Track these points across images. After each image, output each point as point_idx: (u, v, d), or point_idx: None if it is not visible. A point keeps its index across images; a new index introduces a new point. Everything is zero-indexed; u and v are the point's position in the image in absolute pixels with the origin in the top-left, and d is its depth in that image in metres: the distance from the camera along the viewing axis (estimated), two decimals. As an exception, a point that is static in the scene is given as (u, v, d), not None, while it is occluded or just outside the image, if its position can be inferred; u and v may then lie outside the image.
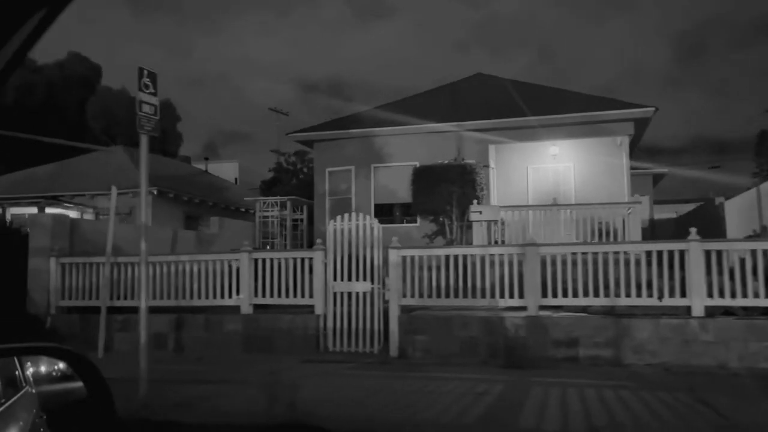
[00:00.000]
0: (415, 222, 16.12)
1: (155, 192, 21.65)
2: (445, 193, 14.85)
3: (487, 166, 15.57)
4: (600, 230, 12.89)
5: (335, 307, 10.06)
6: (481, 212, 13.39)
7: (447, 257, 9.73)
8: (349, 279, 10.03)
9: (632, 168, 15.27)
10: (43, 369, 2.20)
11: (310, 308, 10.36)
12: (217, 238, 18.03)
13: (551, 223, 13.22)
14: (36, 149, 35.89)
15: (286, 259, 10.52)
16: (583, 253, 9.45)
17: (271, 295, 10.50)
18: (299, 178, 51.58)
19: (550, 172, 16.75)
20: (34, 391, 2.12)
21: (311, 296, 10.30)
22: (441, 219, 15.23)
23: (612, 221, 13.12)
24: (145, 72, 6.51)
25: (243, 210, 25.44)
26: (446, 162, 15.57)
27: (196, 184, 26.83)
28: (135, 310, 11.02)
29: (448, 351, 9.36)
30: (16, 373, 2.07)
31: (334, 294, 10.10)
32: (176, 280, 10.90)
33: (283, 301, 10.46)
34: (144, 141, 6.53)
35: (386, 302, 9.87)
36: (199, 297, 10.82)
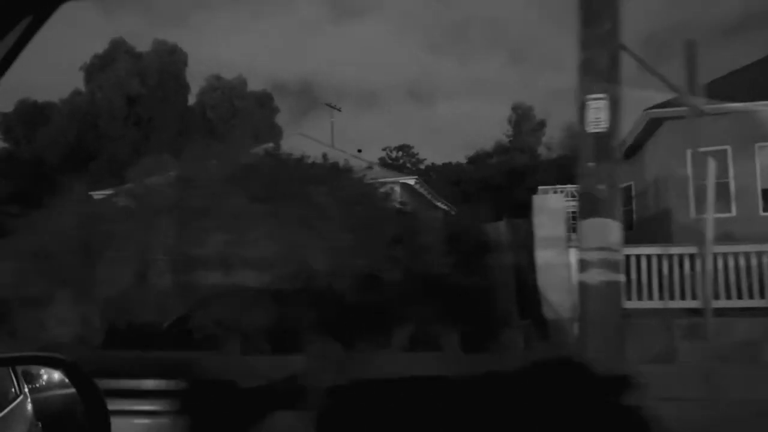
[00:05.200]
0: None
1: (412, 182, 19.66)
2: None
3: None
4: None
5: None
6: None
7: None
8: None
9: None
10: (47, 377, 2.02)
11: None
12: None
13: None
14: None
15: None
16: None
17: None
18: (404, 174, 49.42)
19: None
20: (29, 400, 1.96)
21: None
22: None
23: None
24: None
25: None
26: None
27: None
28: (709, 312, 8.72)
29: None
30: (12, 381, 1.92)
31: None
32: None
33: None
34: None
35: None
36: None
